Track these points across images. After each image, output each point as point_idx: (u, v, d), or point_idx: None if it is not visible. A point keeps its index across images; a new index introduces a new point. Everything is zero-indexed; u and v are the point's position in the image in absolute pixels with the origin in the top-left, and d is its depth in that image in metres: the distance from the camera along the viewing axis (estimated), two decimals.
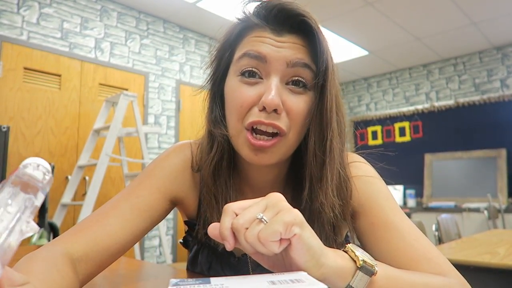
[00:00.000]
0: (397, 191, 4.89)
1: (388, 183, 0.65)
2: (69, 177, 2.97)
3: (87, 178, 3.14)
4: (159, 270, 0.77)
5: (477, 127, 4.53)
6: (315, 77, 0.55)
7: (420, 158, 4.90)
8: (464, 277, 0.51)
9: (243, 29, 0.59)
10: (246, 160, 0.58)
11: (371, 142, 5.41)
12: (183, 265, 0.80)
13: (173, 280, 0.35)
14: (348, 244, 0.45)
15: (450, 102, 4.77)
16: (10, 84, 2.80)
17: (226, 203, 0.41)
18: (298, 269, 0.39)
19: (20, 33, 2.86)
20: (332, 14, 3.61)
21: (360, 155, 0.67)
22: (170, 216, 3.78)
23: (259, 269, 0.63)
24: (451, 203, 4.34)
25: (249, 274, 0.63)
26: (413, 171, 4.88)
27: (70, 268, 0.47)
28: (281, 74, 0.55)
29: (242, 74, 0.56)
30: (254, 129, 0.55)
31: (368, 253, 0.46)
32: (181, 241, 0.74)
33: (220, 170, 0.60)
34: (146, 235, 3.44)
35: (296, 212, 0.39)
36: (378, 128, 5.37)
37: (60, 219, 2.76)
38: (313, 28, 0.54)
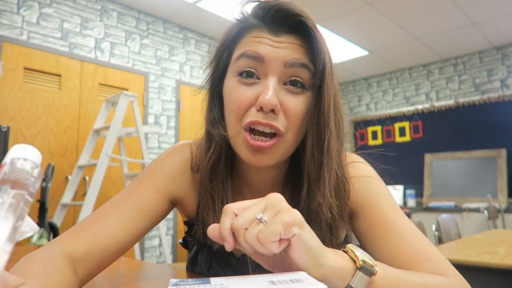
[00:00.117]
0: (397, 191, 4.89)
1: (388, 183, 0.65)
2: (69, 177, 2.97)
3: (87, 178, 3.14)
4: (159, 270, 0.77)
5: (477, 127, 4.53)
6: (313, 77, 0.55)
7: (420, 158, 4.90)
8: (464, 277, 0.51)
9: (241, 29, 0.59)
10: (244, 161, 0.58)
11: (371, 142, 5.41)
12: (183, 265, 0.80)
13: (173, 280, 0.35)
14: (348, 244, 0.45)
15: (450, 102, 4.77)
16: (10, 84, 2.80)
17: (222, 203, 0.41)
18: (297, 269, 0.39)
19: (20, 33, 2.86)
20: (332, 14, 3.61)
21: (360, 156, 0.67)
22: (170, 216, 3.78)
23: (259, 269, 0.63)
24: (451, 203, 4.34)
25: (249, 274, 0.63)
26: (413, 171, 4.88)
27: (69, 268, 0.47)
28: (279, 74, 0.55)
29: (240, 74, 0.56)
30: (252, 130, 0.55)
31: (368, 253, 0.46)
32: (181, 241, 0.74)
33: (217, 170, 0.60)
34: (146, 235, 3.44)
35: (296, 212, 0.39)
36: (378, 128, 5.37)
37: (60, 219, 2.76)
38: (310, 28, 0.54)
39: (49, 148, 2.97)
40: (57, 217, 2.75)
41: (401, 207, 3.78)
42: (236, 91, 0.56)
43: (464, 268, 1.34)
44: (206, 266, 0.66)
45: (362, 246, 0.59)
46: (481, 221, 3.96)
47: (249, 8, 0.59)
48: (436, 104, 4.88)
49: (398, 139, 5.17)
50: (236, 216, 0.39)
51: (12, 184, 0.29)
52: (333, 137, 0.56)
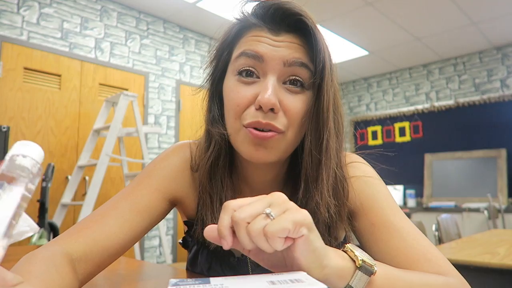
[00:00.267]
0: (397, 191, 4.89)
1: (388, 183, 0.65)
2: (69, 177, 2.97)
3: (87, 178, 3.14)
4: (159, 270, 0.77)
5: (477, 127, 4.53)
6: (313, 76, 0.55)
7: (420, 158, 4.90)
8: (464, 277, 0.51)
9: (241, 28, 0.59)
10: (245, 159, 0.58)
11: (371, 142, 5.41)
12: (183, 265, 0.80)
13: (173, 280, 0.35)
14: (347, 244, 0.45)
15: (450, 102, 4.77)
16: (10, 84, 2.80)
17: (221, 203, 0.40)
18: (300, 269, 0.39)
19: (20, 33, 2.87)
20: (332, 14, 3.61)
21: (360, 156, 0.67)
22: (170, 216, 3.78)
23: (259, 269, 0.63)
24: (451, 203, 4.35)
25: (248, 274, 0.63)
26: (413, 171, 4.88)
27: (69, 268, 0.47)
28: (278, 73, 0.54)
29: (239, 73, 0.56)
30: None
31: (368, 253, 0.46)
32: (181, 241, 0.74)
33: (217, 169, 0.60)
34: (146, 235, 3.44)
35: (306, 212, 0.38)
36: (378, 128, 5.37)
37: (60, 219, 2.76)
38: (310, 27, 0.54)
39: (49, 148, 2.97)
40: (57, 217, 2.75)
41: (401, 207, 3.78)
42: (235, 90, 0.56)
43: (464, 268, 1.34)
44: (206, 266, 0.66)
45: (362, 246, 0.59)
46: (481, 221, 3.96)
47: (249, 7, 0.59)
48: (436, 104, 4.88)
49: (398, 139, 5.17)
50: None
51: (10, 180, 0.29)
52: (332, 136, 0.56)
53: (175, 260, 3.69)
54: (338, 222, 0.59)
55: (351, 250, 0.44)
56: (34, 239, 2.30)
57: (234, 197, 0.61)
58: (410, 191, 4.80)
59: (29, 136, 2.87)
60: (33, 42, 2.92)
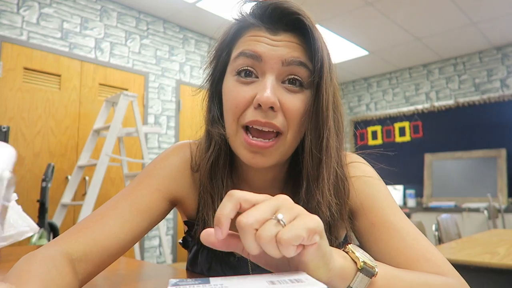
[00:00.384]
0: (397, 191, 4.89)
1: (388, 183, 0.65)
2: (69, 177, 2.97)
3: (87, 178, 3.14)
4: (159, 270, 0.77)
5: (477, 127, 4.53)
6: (312, 75, 0.55)
7: (420, 158, 4.90)
8: (464, 277, 0.51)
9: (240, 29, 0.59)
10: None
11: (371, 142, 5.41)
12: (183, 265, 0.80)
13: (173, 280, 0.35)
14: (349, 245, 0.45)
15: (450, 102, 4.77)
16: (10, 84, 2.80)
17: None
18: (306, 272, 0.39)
19: (20, 33, 2.87)
20: (332, 14, 3.61)
21: (360, 156, 0.67)
22: (170, 216, 3.78)
23: (259, 269, 0.63)
24: (451, 203, 4.35)
25: (249, 274, 0.63)
26: (413, 171, 4.88)
27: (69, 268, 0.47)
28: (277, 72, 0.54)
29: (238, 73, 0.56)
30: (250, 130, 0.55)
31: (368, 253, 0.46)
32: (181, 241, 0.74)
33: (217, 169, 0.60)
34: (146, 235, 3.43)
35: (317, 219, 0.37)
36: (378, 128, 5.37)
37: (60, 219, 2.76)
38: (308, 26, 0.54)
39: (49, 148, 2.97)
40: (57, 217, 2.75)
41: (401, 207, 3.78)
42: (234, 90, 0.56)
43: (464, 268, 1.34)
44: (206, 266, 0.66)
45: (361, 245, 0.59)
46: (481, 221, 3.96)
47: (248, 8, 0.59)
48: (436, 104, 4.88)
49: (398, 139, 5.17)
50: (241, 206, 0.36)
51: None
52: (332, 135, 0.56)
53: (175, 260, 3.69)
54: (339, 221, 0.58)
55: (352, 251, 0.43)
56: (34, 239, 2.30)
57: None
58: (410, 191, 4.80)
59: (29, 136, 2.87)
60: (33, 42, 2.92)
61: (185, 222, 0.71)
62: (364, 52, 4.57)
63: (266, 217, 0.35)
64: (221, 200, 0.59)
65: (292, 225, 0.35)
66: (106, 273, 0.69)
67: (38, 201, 2.45)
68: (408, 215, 4.24)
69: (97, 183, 2.61)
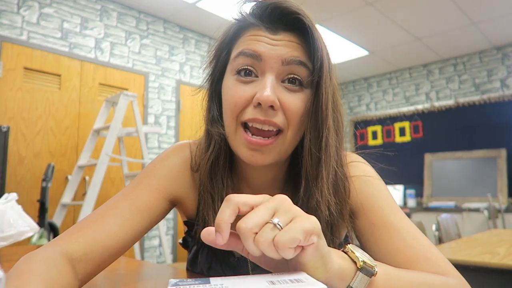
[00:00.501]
0: (397, 191, 4.89)
1: (388, 183, 0.65)
2: (69, 177, 2.97)
3: (87, 178, 3.14)
4: (159, 270, 0.77)
5: (477, 127, 4.53)
6: (311, 74, 0.55)
7: (420, 158, 4.90)
8: (464, 277, 0.51)
9: (239, 28, 0.59)
10: (243, 160, 0.58)
11: (371, 142, 5.41)
12: (183, 265, 0.80)
13: (173, 280, 0.35)
14: (348, 245, 0.45)
15: (450, 102, 4.77)
16: (10, 84, 2.80)
17: (222, 202, 0.38)
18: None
19: (20, 33, 2.87)
20: (332, 14, 3.61)
21: (360, 155, 0.67)
22: (170, 216, 3.78)
23: (259, 269, 0.63)
24: (451, 203, 4.34)
25: (248, 274, 0.63)
26: (413, 171, 4.88)
27: (69, 268, 0.47)
28: (277, 72, 0.55)
29: (238, 72, 0.56)
30: (249, 128, 0.55)
31: (368, 253, 0.46)
32: (181, 241, 0.74)
33: (217, 168, 0.61)
34: (146, 235, 3.44)
35: (315, 220, 0.37)
36: (378, 128, 5.37)
37: (60, 219, 2.76)
38: (308, 26, 0.54)
39: (49, 148, 2.97)
40: (57, 217, 2.75)
41: (401, 207, 3.77)
42: (233, 89, 0.56)
43: (464, 268, 1.34)
44: (206, 266, 0.66)
45: (361, 245, 0.59)
46: (481, 221, 3.96)
47: (248, 7, 0.59)
48: (436, 104, 4.88)
49: (398, 139, 5.17)
50: (239, 210, 0.37)
51: None
52: (331, 134, 0.56)
53: (175, 260, 3.69)
54: (340, 221, 0.58)
55: (351, 251, 0.43)
56: (34, 239, 2.30)
57: None
58: (410, 191, 4.80)
59: (29, 136, 2.87)
60: (33, 42, 2.92)
61: (185, 222, 0.71)
62: (364, 52, 4.57)
63: (264, 220, 0.36)
64: (221, 200, 0.59)
65: (289, 228, 0.35)
66: (106, 273, 0.69)
67: (38, 201, 2.46)
68: (408, 215, 4.24)
69: (97, 183, 2.61)
